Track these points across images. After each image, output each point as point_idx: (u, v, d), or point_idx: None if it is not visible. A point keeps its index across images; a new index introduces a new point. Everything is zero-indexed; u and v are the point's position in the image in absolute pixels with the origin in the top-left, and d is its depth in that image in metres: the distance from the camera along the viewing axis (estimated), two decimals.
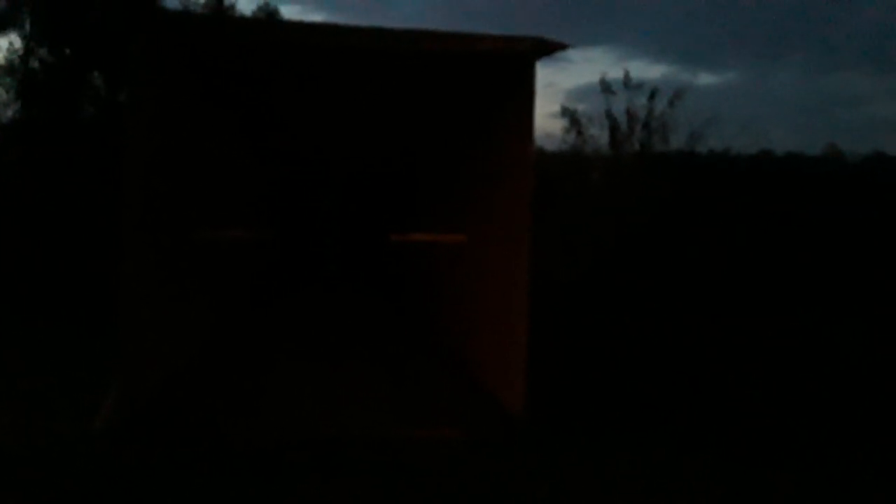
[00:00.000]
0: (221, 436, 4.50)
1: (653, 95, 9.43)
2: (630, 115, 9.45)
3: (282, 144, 9.90)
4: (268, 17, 11.23)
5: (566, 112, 9.77)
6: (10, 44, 10.47)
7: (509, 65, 5.02)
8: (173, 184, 5.59)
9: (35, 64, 10.03)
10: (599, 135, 9.75)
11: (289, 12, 12.30)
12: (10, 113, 10.30)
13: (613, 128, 9.54)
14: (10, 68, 10.17)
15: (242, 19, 10.59)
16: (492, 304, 5.73)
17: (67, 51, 9.78)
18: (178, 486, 3.82)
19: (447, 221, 7.58)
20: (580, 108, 9.89)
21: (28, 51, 10.04)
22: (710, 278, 8.62)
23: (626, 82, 9.42)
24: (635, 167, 9.39)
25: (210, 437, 4.47)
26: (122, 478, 3.88)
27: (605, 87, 9.53)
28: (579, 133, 9.66)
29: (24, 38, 10.14)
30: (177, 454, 4.18)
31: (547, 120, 24.62)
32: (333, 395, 5.45)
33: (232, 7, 11.53)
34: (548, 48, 4.77)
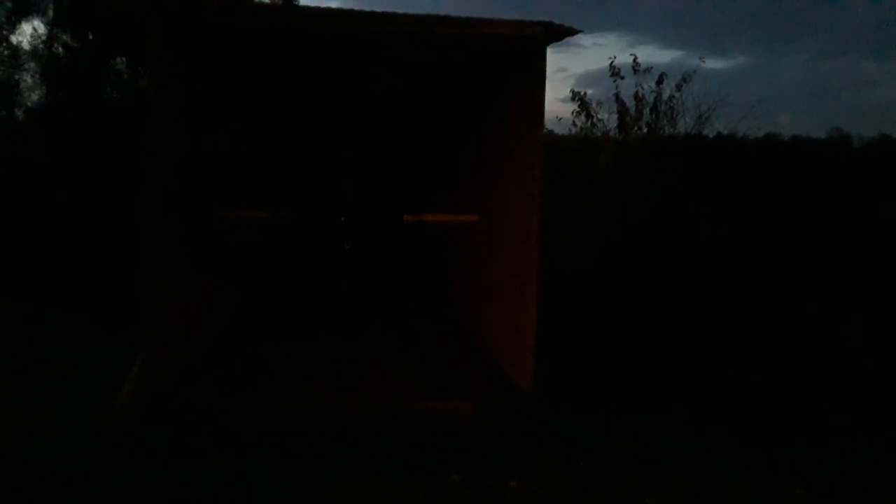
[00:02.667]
0: (242, 410, 4.64)
1: (661, 80, 9.53)
2: (638, 99, 9.57)
3: (299, 127, 10.10)
4: (284, 3, 11.35)
5: (576, 96, 9.90)
6: (34, 29, 10.66)
7: (520, 49, 5.12)
8: (194, 166, 5.72)
9: (59, 49, 10.20)
10: (608, 118, 9.87)
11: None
12: (34, 97, 10.52)
13: (622, 111, 9.66)
14: (34, 53, 10.35)
15: (259, 5, 10.75)
16: (502, 283, 5.87)
17: (90, 36, 9.94)
18: (197, 466, 3.88)
19: (460, 202, 7.74)
20: (591, 92, 10.00)
21: (52, 36, 10.21)
22: (715, 261, 8.65)
23: (635, 67, 9.52)
24: (643, 149, 9.52)
25: (230, 412, 4.60)
26: (140, 465, 3.89)
27: (615, 71, 9.63)
28: (588, 116, 9.79)
29: (47, 23, 10.32)
30: (196, 432, 4.26)
31: (558, 104, 24.77)
32: (351, 369, 5.65)
33: None
34: (558, 33, 4.84)
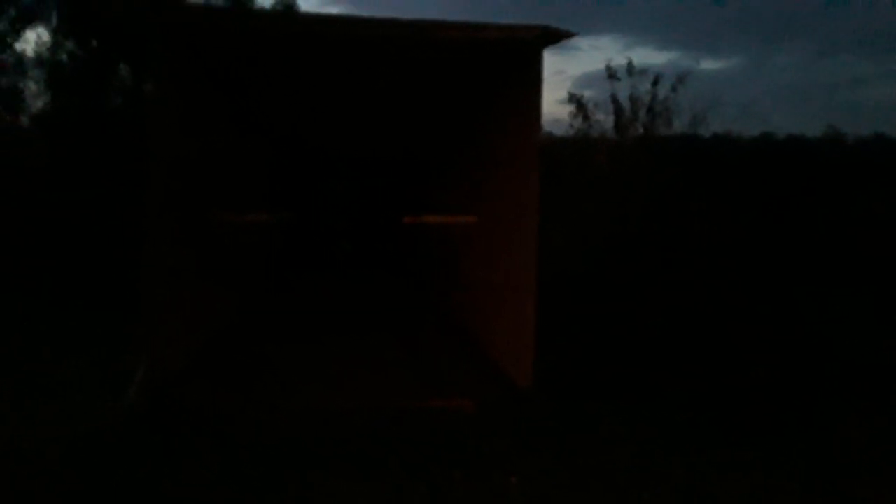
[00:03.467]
0: (238, 411, 4.62)
1: (656, 81, 9.66)
2: (633, 100, 9.70)
3: (299, 131, 10.19)
4: (286, 10, 11.46)
5: (573, 98, 10.03)
6: (39, 36, 10.79)
7: (517, 53, 5.15)
8: (195, 169, 5.72)
9: (63, 56, 10.30)
10: (605, 119, 10.00)
11: (306, 5, 12.30)
12: (39, 104, 10.63)
13: (618, 112, 9.79)
14: (38, 61, 10.46)
15: (260, 12, 10.86)
16: (501, 283, 5.85)
17: (94, 43, 10.04)
18: (192, 466, 3.87)
19: (458, 203, 7.79)
20: (588, 94, 10.12)
21: (56, 43, 10.32)
22: (714, 259, 8.71)
23: (630, 69, 9.66)
24: (639, 150, 9.63)
25: (227, 413, 4.58)
26: (135, 465, 3.87)
27: (611, 73, 9.76)
28: (585, 118, 9.92)
29: (51, 31, 10.42)
30: (192, 433, 4.24)
31: (556, 106, 24.71)
32: (351, 369, 5.59)
33: (251, 0, 11.74)
34: (554, 36, 4.85)
